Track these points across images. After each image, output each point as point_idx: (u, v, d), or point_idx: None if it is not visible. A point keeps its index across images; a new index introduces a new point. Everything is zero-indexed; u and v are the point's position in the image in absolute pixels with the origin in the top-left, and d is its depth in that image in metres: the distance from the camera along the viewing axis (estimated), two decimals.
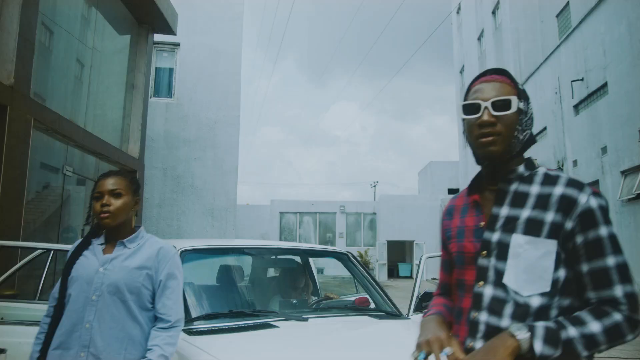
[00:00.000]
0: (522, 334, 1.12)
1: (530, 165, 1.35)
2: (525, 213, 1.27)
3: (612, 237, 1.20)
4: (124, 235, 2.18)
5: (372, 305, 3.62)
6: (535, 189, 1.30)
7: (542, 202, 1.26)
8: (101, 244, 2.20)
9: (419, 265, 4.17)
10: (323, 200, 29.91)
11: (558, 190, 1.25)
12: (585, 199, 1.21)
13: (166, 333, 2.08)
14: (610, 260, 1.19)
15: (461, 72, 28.32)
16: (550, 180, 1.29)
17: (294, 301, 3.52)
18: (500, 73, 1.37)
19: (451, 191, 30.47)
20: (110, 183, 2.13)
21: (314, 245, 4.12)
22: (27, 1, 6.15)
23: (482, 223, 1.35)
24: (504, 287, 1.25)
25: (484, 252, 1.31)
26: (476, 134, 1.30)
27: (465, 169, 26.38)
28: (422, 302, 3.82)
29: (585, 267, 1.21)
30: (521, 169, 1.34)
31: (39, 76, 7.44)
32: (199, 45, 12.44)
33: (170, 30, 10.63)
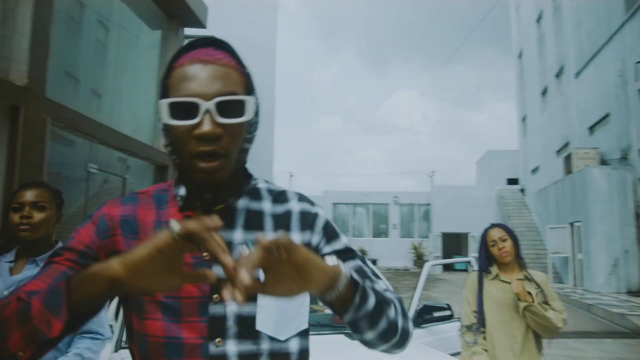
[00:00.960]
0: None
1: (251, 177, 1.05)
2: (269, 236, 0.90)
3: (349, 246, 1.07)
4: (38, 252, 1.99)
5: None
6: (267, 207, 1.02)
7: (282, 221, 1.01)
8: (10, 262, 2.01)
9: (420, 273, 3.77)
10: (376, 191, 29.49)
11: (294, 206, 1.04)
12: (321, 212, 1.06)
13: (90, 340, 1.92)
14: (359, 262, 1.03)
15: (519, 56, 26.90)
16: (278, 196, 1.05)
17: None
18: (220, 47, 0.93)
19: (510, 181, 29.14)
20: (33, 194, 1.97)
21: None
22: (40, 1, 6.12)
23: (206, 254, 0.92)
24: (252, 338, 0.92)
25: (216, 296, 0.92)
26: (192, 150, 0.87)
27: (525, 158, 25.10)
28: (421, 317, 3.43)
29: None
30: (254, 182, 1.05)
31: (62, 74, 7.48)
32: (231, 37, 12.09)
33: (200, 24, 10.54)
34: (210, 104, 0.84)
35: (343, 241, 1.06)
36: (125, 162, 8.90)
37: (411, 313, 3.45)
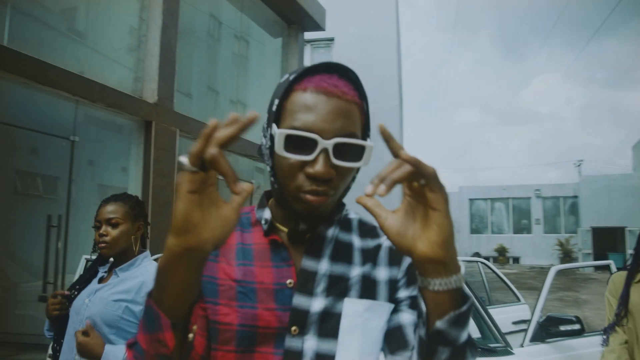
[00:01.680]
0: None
1: (343, 206, 0.96)
2: (357, 270, 0.90)
3: None
4: (121, 263, 2.08)
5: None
6: (356, 240, 0.94)
7: (370, 256, 0.92)
8: (104, 272, 2.15)
9: (546, 277, 3.37)
10: (516, 185, 27.70)
11: (384, 242, 0.94)
12: None
13: None
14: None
15: None
16: (369, 230, 0.96)
17: None
18: (345, 76, 0.85)
19: None
20: (107, 211, 2.05)
21: None
22: (166, 24, 6.61)
23: (291, 281, 0.86)
24: None
25: (295, 329, 0.83)
26: (301, 186, 0.81)
27: None
28: (545, 330, 3.05)
29: (407, 318, 0.87)
30: (345, 212, 0.97)
31: (204, 88, 8.02)
32: (352, 36, 12.30)
33: (319, 27, 10.68)
34: (329, 144, 0.79)
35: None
36: (260, 169, 9.29)
37: (532, 324, 3.08)
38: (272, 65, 10.54)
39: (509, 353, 2.65)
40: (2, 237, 7.64)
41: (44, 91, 5.13)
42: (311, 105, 0.80)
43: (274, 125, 0.83)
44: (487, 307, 4.95)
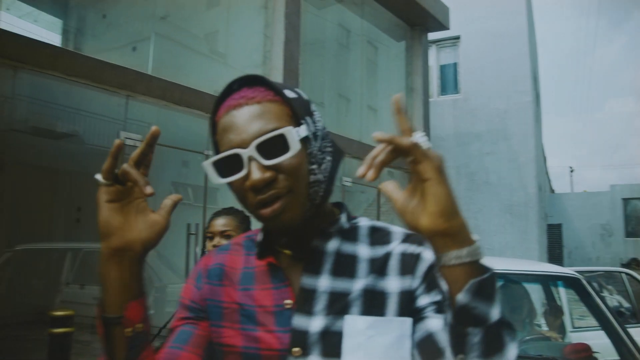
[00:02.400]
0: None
1: (348, 213, 0.92)
2: (359, 283, 0.84)
3: None
4: None
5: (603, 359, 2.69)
6: (364, 250, 0.88)
7: (378, 266, 0.85)
8: None
9: None
10: None
11: (395, 248, 0.87)
12: (429, 255, 0.84)
13: None
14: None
15: None
16: (380, 236, 0.89)
17: None
18: (252, 84, 0.83)
19: None
20: (220, 224, 2.18)
21: (524, 266, 3.31)
22: (288, 38, 6.93)
23: (289, 302, 0.84)
24: None
25: (297, 350, 0.81)
26: (252, 202, 0.80)
27: None
28: None
29: (436, 324, 0.79)
30: (343, 219, 0.90)
31: (335, 96, 8.30)
32: (479, 32, 11.76)
33: (443, 27, 10.40)
34: (250, 150, 0.77)
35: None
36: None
37: None
38: (397, 69, 10.49)
39: None
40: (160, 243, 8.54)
41: (181, 111, 5.66)
42: (227, 126, 0.80)
43: (205, 166, 0.83)
44: (636, 324, 4.43)
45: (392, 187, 0.72)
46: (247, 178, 0.78)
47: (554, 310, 3.60)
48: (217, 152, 0.83)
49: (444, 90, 12.46)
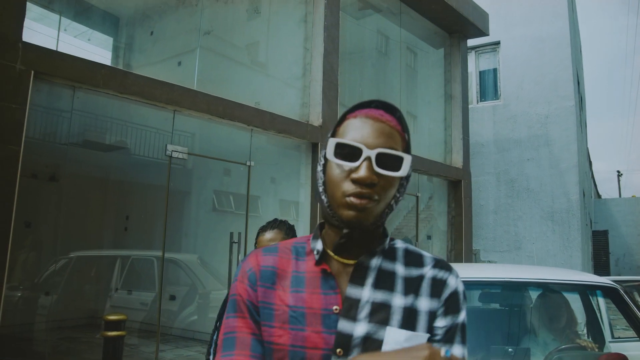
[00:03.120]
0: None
1: (387, 237, 1.04)
2: (398, 299, 0.98)
3: (465, 325, 1.02)
4: None
5: None
6: (400, 269, 1.02)
7: (412, 285, 1.00)
8: None
9: None
10: None
11: (427, 272, 1.02)
12: (454, 282, 1.01)
13: None
14: (458, 350, 1.00)
15: None
16: (414, 259, 1.04)
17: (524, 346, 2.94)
18: (390, 111, 0.98)
19: None
20: (267, 239, 2.24)
21: (562, 276, 3.34)
22: (327, 50, 7.08)
23: (337, 307, 0.95)
24: None
25: (340, 350, 0.93)
26: (346, 190, 0.92)
27: None
28: None
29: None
30: (386, 241, 1.03)
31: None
32: (520, 38, 11.63)
33: (482, 33, 10.36)
34: (371, 153, 0.91)
35: (461, 318, 1.01)
36: (417, 180, 9.34)
37: None
38: (436, 76, 10.51)
39: None
40: (201, 250, 8.83)
41: (224, 124, 5.88)
42: (359, 126, 0.94)
43: (329, 140, 0.95)
44: None
45: None
46: (354, 170, 0.91)
47: (591, 321, 3.60)
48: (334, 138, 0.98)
49: (483, 96, 12.36)
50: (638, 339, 2.93)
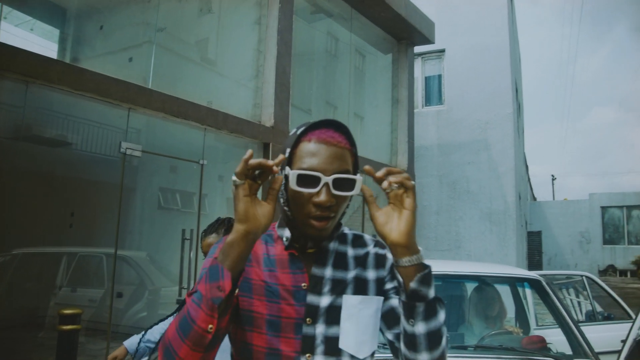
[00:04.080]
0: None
1: (341, 225, 1.28)
2: (351, 274, 1.21)
3: None
4: None
5: (555, 349, 3.06)
6: (350, 251, 1.26)
7: (360, 261, 1.24)
8: None
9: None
10: None
11: (371, 250, 1.27)
12: (390, 255, 1.25)
13: None
14: None
15: None
16: (359, 241, 1.28)
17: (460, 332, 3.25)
18: (341, 131, 1.16)
19: None
20: (209, 242, 2.32)
21: (493, 269, 3.69)
22: (280, 52, 7.25)
23: (305, 284, 1.17)
24: (336, 355, 1.15)
25: (309, 319, 1.15)
26: (309, 212, 1.11)
27: None
28: None
29: (395, 301, 1.21)
30: (342, 229, 1.28)
31: (323, 104, 8.60)
32: (463, 46, 12.22)
33: (428, 41, 10.81)
34: (329, 179, 1.08)
35: None
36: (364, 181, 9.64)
37: (629, 342, 3.07)
38: (384, 80, 10.87)
39: None
40: (149, 247, 8.80)
41: (178, 122, 5.95)
42: (315, 152, 1.10)
43: (287, 168, 1.11)
44: (594, 323, 4.84)
45: (373, 199, 1.10)
46: (316, 195, 1.09)
47: (519, 310, 3.99)
48: (290, 162, 1.13)
49: (428, 101, 12.87)
50: (557, 325, 3.31)
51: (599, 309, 5.52)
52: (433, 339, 1.06)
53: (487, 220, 11.59)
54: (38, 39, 8.46)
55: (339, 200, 1.12)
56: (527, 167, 26.08)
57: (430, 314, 1.06)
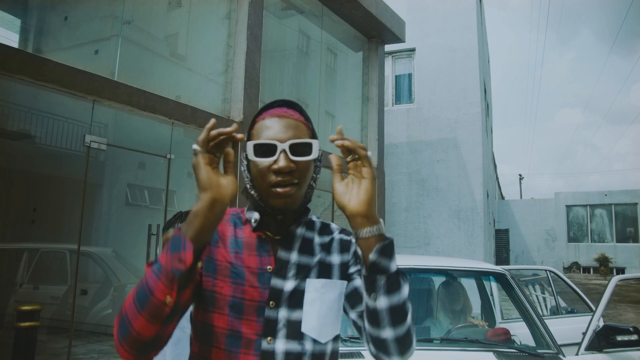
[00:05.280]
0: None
1: (309, 211, 1.27)
2: (316, 258, 1.20)
3: None
4: None
5: (519, 341, 3.11)
6: (317, 237, 1.25)
7: (325, 247, 1.23)
8: None
9: (605, 289, 3.42)
10: (619, 190, 25.87)
11: (336, 236, 1.27)
12: (353, 241, 1.20)
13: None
14: None
15: None
16: (325, 229, 1.28)
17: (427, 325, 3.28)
18: (293, 108, 1.18)
19: None
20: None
21: (460, 264, 3.73)
22: (250, 48, 7.19)
23: (270, 267, 1.15)
24: (298, 339, 1.13)
25: (272, 303, 1.13)
26: (270, 181, 1.10)
27: None
28: (602, 340, 3.11)
29: (359, 281, 1.19)
30: (309, 217, 1.27)
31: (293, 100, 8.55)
32: (433, 46, 12.34)
33: (399, 39, 10.88)
34: (285, 145, 1.08)
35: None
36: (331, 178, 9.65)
37: (589, 333, 3.15)
38: (355, 78, 10.90)
39: (560, 358, 2.77)
40: (115, 243, 8.62)
41: (145, 116, 5.84)
42: (269, 126, 1.12)
43: (247, 143, 1.12)
44: (557, 316, 4.95)
45: (339, 168, 1.09)
46: (275, 163, 1.08)
47: (485, 304, 4.05)
48: (249, 141, 1.13)
49: (398, 99, 12.96)
50: (521, 318, 3.37)
51: (562, 304, 5.64)
52: (396, 314, 1.05)
53: (455, 218, 11.75)
54: None
55: (300, 166, 1.11)
56: (495, 166, 26.58)
57: (392, 288, 1.04)
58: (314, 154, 1.12)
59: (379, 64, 10.85)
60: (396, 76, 13.00)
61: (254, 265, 1.15)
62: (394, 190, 12.35)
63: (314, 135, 1.19)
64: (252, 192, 1.17)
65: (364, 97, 10.79)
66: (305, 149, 1.11)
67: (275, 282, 1.14)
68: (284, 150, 1.09)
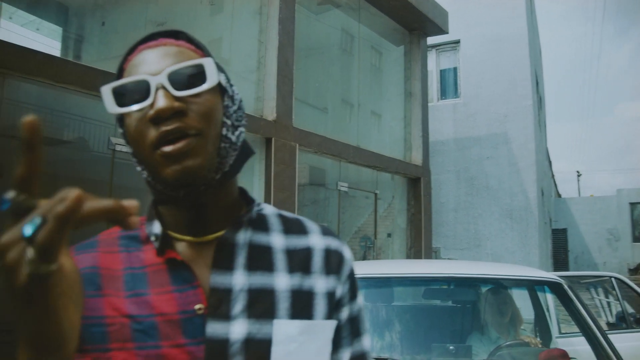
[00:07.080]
0: None
1: (253, 201, 0.79)
2: (283, 280, 0.73)
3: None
4: None
5: None
6: (278, 241, 0.76)
7: (298, 259, 0.75)
8: None
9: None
10: None
11: (317, 242, 0.78)
12: (349, 255, 0.80)
13: None
14: (367, 342, 0.80)
15: None
16: (294, 226, 0.79)
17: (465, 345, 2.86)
18: (173, 36, 0.73)
19: None
20: None
21: (507, 271, 3.27)
22: (282, 43, 6.93)
23: (200, 307, 0.68)
24: None
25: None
26: (152, 139, 0.65)
27: None
28: None
29: (346, 355, 0.77)
30: (258, 208, 0.78)
31: (338, 102, 8.28)
32: (479, 37, 11.74)
33: (441, 31, 10.39)
34: (160, 77, 0.65)
35: (360, 301, 0.81)
36: (376, 177, 9.29)
37: None
38: (396, 73, 10.49)
39: None
40: None
41: None
42: (138, 63, 0.69)
43: (101, 90, 0.68)
44: (624, 331, 4.37)
45: None
46: (151, 109, 0.65)
47: (539, 317, 3.57)
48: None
49: (444, 94, 12.44)
50: (581, 334, 2.89)
51: (630, 310, 5.09)
52: None
53: (507, 218, 11.09)
54: (44, 39, 8.31)
55: (193, 106, 0.67)
56: (550, 162, 25.36)
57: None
58: (211, 80, 0.67)
59: (422, 57, 10.39)
60: (441, 70, 12.49)
61: (172, 309, 0.68)
62: (441, 190, 11.82)
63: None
64: (139, 169, 0.74)
65: (407, 93, 10.35)
66: (196, 76, 0.67)
67: (214, 328, 0.68)
68: (161, 85, 0.65)
